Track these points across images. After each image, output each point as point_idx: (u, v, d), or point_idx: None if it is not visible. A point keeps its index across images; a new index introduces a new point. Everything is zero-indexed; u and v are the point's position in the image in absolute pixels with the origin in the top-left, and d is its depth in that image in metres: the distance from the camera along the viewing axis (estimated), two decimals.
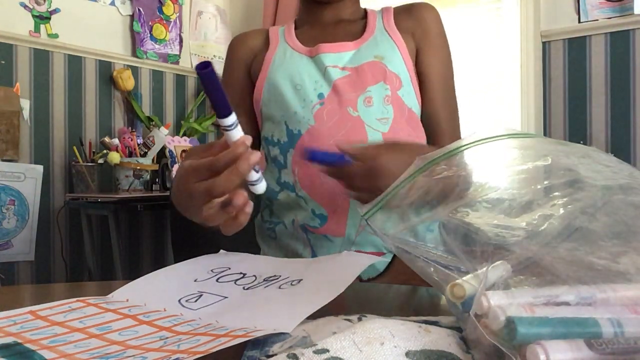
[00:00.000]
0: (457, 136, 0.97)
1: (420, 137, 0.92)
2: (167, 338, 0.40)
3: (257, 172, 0.56)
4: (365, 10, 1.01)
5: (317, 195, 0.85)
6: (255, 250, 0.97)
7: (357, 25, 0.97)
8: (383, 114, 0.87)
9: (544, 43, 2.21)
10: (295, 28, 1.00)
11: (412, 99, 0.91)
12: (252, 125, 0.98)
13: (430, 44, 0.95)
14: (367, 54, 0.90)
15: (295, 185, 0.87)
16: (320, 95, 0.88)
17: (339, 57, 0.90)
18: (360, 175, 0.69)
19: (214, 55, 3.06)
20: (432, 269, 0.37)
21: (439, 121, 0.94)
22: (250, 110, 0.97)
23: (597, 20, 2.10)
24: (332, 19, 0.98)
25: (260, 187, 0.57)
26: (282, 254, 0.92)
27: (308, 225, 0.87)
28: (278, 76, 0.91)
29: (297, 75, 0.90)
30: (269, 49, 0.96)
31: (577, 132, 2.16)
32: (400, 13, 0.97)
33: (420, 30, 0.95)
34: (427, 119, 0.94)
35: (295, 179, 0.86)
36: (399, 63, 0.91)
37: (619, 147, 2.08)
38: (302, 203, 0.86)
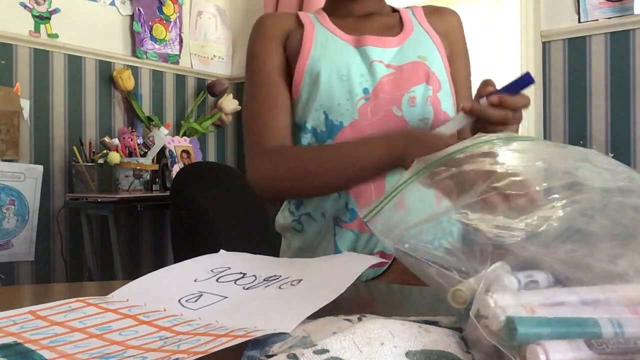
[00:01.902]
0: None
1: None
2: (167, 338, 0.40)
3: None
4: (390, 6, 1.01)
5: (353, 190, 0.85)
6: (255, 250, 0.97)
7: (391, 20, 0.96)
8: (424, 115, 0.87)
9: (544, 43, 2.21)
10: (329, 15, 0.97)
11: (448, 102, 0.92)
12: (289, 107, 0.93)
13: (459, 50, 0.97)
14: (411, 53, 0.89)
15: None
16: (366, 90, 0.86)
17: (383, 52, 0.89)
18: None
19: (214, 56, 3.06)
20: (432, 272, 0.37)
21: None
22: (285, 90, 0.92)
23: (597, 20, 2.10)
24: (361, 12, 0.96)
25: None
26: (304, 246, 0.92)
27: (339, 218, 0.86)
28: (322, 63, 0.87)
29: (343, 66, 0.87)
30: (306, 31, 0.92)
31: (577, 132, 2.16)
32: (430, 15, 0.97)
33: (450, 37, 0.96)
34: None
35: None
36: (440, 65, 0.91)
37: (619, 148, 2.08)
38: (335, 195, 0.86)
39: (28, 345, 0.38)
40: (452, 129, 0.78)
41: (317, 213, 0.90)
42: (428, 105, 0.88)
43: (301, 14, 0.97)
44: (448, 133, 0.77)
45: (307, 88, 0.88)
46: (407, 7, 1.00)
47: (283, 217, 0.97)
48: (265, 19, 0.97)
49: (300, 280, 0.52)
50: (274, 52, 0.93)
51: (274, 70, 0.92)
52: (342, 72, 0.86)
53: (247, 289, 0.52)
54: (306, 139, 0.89)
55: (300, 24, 0.94)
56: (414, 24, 0.94)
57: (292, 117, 0.92)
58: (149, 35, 2.71)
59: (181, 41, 2.87)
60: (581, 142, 2.14)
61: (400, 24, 0.94)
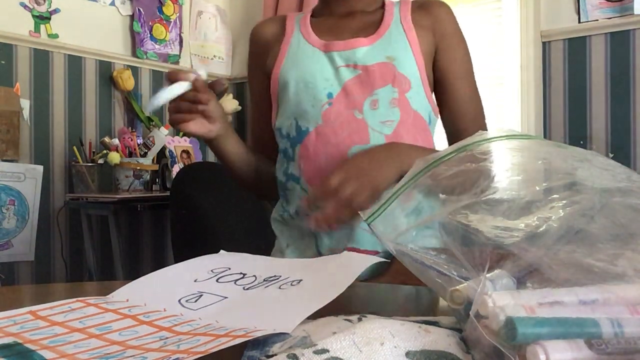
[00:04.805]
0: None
1: (425, 140, 0.92)
2: (167, 338, 0.40)
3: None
4: (383, 1, 1.00)
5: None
6: (255, 251, 0.97)
7: (374, 16, 0.96)
8: (388, 117, 0.88)
9: (544, 43, 2.21)
10: (313, 16, 1.00)
11: (420, 102, 0.92)
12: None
13: (449, 44, 0.95)
14: (380, 54, 0.90)
15: (300, 178, 0.90)
16: (330, 95, 0.89)
17: (352, 53, 0.90)
18: (344, 178, 0.75)
19: (214, 56, 3.06)
20: (432, 273, 0.38)
21: (464, 119, 0.95)
22: (269, 101, 0.99)
23: (597, 20, 2.10)
24: (346, 10, 0.98)
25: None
26: (291, 240, 0.96)
27: (307, 217, 0.88)
28: (290, 73, 0.92)
29: (308, 73, 0.91)
30: (284, 40, 0.97)
31: (577, 132, 2.16)
32: (417, 10, 0.96)
33: (438, 30, 0.95)
34: (452, 118, 0.96)
35: (301, 173, 0.90)
36: (411, 64, 0.90)
37: (619, 147, 2.08)
38: (306, 195, 0.89)
39: (28, 345, 0.38)
40: (167, 98, 0.83)
41: (294, 209, 0.93)
42: (393, 107, 0.88)
43: (289, 18, 1.01)
44: (160, 103, 0.82)
45: (280, 96, 0.94)
46: (397, 1, 0.99)
47: (273, 213, 1.02)
48: (254, 32, 1.04)
49: (300, 280, 0.52)
50: (258, 67, 1.02)
51: (259, 83, 1.01)
52: (308, 79, 0.90)
53: (247, 289, 0.52)
54: (283, 143, 0.94)
55: (284, 31, 0.98)
56: (393, 21, 0.94)
57: (274, 122, 0.98)
58: (149, 35, 2.71)
59: (181, 41, 2.87)
60: (581, 142, 2.14)
61: (379, 23, 0.94)
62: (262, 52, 1.00)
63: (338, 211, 0.75)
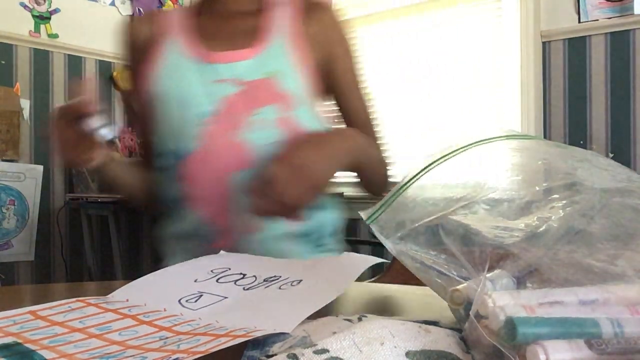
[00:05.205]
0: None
1: None
2: (167, 338, 0.40)
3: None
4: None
5: (204, 214, 0.82)
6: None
7: (254, 21, 0.87)
8: (273, 138, 0.81)
9: (544, 43, 2.21)
10: (199, 14, 0.90)
11: (308, 119, 0.85)
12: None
13: (339, 53, 0.89)
14: (262, 69, 0.82)
15: (185, 202, 0.83)
16: (209, 113, 0.81)
17: (233, 67, 0.83)
18: (285, 179, 0.68)
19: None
20: (432, 273, 0.38)
21: (356, 120, 0.91)
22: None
23: (597, 20, 2.10)
24: (226, 10, 0.89)
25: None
26: (187, 259, 0.89)
27: (201, 240, 0.83)
28: (166, 85, 0.83)
29: (185, 88, 0.82)
30: (160, 44, 0.86)
31: (577, 132, 2.16)
32: (306, 12, 0.88)
33: (327, 38, 0.88)
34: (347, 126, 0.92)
35: (185, 197, 0.83)
36: (296, 80, 0.83)
37: (619, 147, 2.08)
38: (192, 219, 0.83)
39: (28, 345, 0.38)
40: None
41: (180, 228, 0.87)
42: (278, 127, 0.82)
43: (167, 16, 0.91)
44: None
45: (157, 109, 0.85)
46: (280, 2, 0.90)
47: (162, 230, 0.95)
48: (126, 30, 0.92)
49: (300, 280, 0.52)
50: (134, 70, 0.91)
51: (137, 85, 0.91)
52: (186, 95, 0.82)
53: (247, 289, 0.52)
54: (166, 160, 0.85)
55: (161, 31, 0.88)
56: (276, 29, 0.86)
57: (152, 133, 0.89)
58: None
59: None
60: (581, 142, 2.14)
61: (262, 28, 0.86)
62: (136, 55, 0.90)
63: (274, 208, 0.70)
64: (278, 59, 0.84)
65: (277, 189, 0.68)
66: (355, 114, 0.91)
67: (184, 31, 0.87)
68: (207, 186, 0.81)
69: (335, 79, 0.89)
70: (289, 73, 0.83)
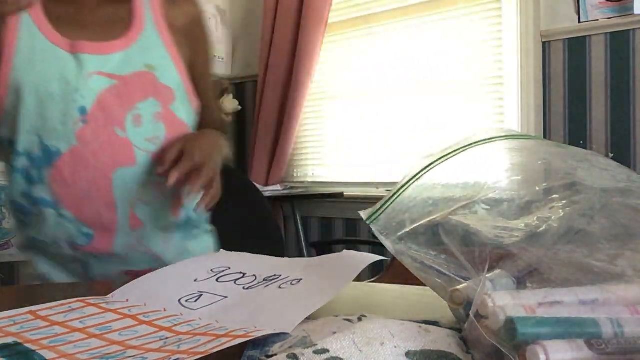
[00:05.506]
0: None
1: None
2: (167, 338, 0.40)
3: None
4: None
5: (82, 215, 0.78)
6: (255, 250, 0.97)
7: (121, 11, 0.82)
8: (153, 133, 0.79)
9: (544, 43, 2.21)
10: None
11: (186, 112, 0.84)
12: None
13: (203, 49, 0.89)
14: (137, 62, 0.79)
15: (57, 204, 0.77)
16: (83, 110, 0.75)
17: (105, 60, 0.77)
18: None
19: (214, 55, 3.06)
20: (432, 273, 0.38)
21: (209, 120, 0.92)
22: None
23: (597, 20, 2.09)
24: None
25: None
26: (53, 265, 0.85)
27: (74, 242, 0.80)
28: (27, 76, 0.75)
29: (52, 81, 0.74)
30: (9, 27, 0.75)
31: (577, 132, 2.16)
32: (167, 4, 0.84)
33: (192, 32, 0.86)
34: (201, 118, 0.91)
35: (57, 199, 0.77)
36: (173, 74, 0.81)
37: (619, 147, 2.08)
38: (65, 222, 0.78)
39: (28, 345, 0.38)
40: None
41: (50, 235, 0.81)
42: (158, 123, 0.79)
43: None
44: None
45: (12, 104, 0.76)
46: None
47: (17, 238, 0.88)
48: None
49: (300, 279, 0.52)
50: None
51: None
52: (52, 89, 0.74)
53: (247, 288, 0.52)
54: (20, 162, 0.77)
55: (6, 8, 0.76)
56: (146, 20, 0.81)
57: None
58: None
59: None
60: (581, 142, 2.13)
61: (131, 18, 0.81)
62: None
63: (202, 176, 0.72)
64: (153, 51, 0.80)
65: (196, 158, 0.72)
66: (210, 113, 0.93)
67: (37, 16, 0.77)
68: (86, 186, 0.76)
69: (200, 76, 0.88)
70: (165, 67, 0.81)
